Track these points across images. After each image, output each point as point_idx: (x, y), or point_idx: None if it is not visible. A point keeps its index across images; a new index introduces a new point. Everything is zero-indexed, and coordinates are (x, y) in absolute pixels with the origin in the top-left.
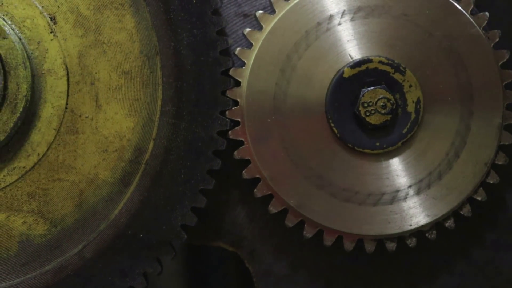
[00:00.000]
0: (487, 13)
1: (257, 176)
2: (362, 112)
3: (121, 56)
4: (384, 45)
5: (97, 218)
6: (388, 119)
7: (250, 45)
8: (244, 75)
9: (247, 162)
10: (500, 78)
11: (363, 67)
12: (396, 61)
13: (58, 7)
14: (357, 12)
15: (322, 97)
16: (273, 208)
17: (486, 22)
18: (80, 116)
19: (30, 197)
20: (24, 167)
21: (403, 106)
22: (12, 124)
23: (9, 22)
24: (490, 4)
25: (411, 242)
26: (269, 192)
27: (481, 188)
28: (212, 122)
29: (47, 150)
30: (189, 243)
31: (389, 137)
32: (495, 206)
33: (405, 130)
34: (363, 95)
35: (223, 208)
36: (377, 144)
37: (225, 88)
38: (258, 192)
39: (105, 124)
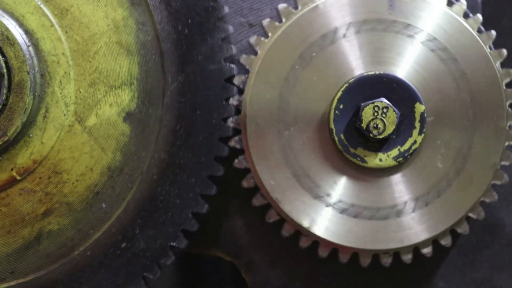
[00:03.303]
0: (494, 32)
1: (258, 187)
2: (365, 126)
3: None
4: (388, 59)
5: None
6: (392, 131)
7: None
8: (247, 86)
9: (247, 171)
10: (505, 97)
11: (366, 81)
12: (397, 75)
13: None
14: (362, 26)
15: (326, 110)
16: (284, 231)
17: (492, 41)
18: None
19: None
20: None
21: (407, 118)
22: None
23: None
24: (497, 23)
25: (407, 258)
26: (281, 217)
27: (480, 207)
28: None
29: None
30: (186, 252)
31: (394, 149)
32: (493, 223)
33: (411, 142)
34: (365, 109)
35: (221, 217)
36: (382, 157)
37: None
38: (256, 201)
39: None
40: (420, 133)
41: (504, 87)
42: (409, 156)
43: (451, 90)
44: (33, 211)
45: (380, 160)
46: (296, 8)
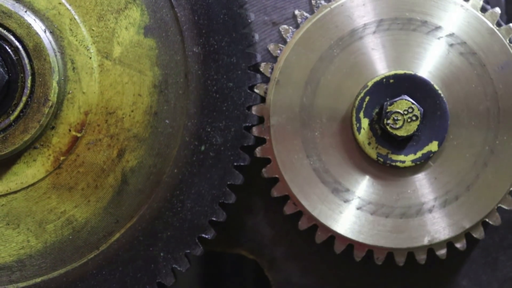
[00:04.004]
0: None
1: (285, 193)
2: (391, 129)
3: None
4: (412, 59)
5: None
6: (400, 136)
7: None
8: (269, 91)
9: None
10: None
11: (379, 85)
12: (419, 74)
13: None
14: (384, 25)
15: (349, 111)
16: (302, 224)
17: None
18: None
19: None
20: None
21: (417, 142)
22: None
23: None
24: None
25: (421, 258)
26: (298, 209)
27: (509, 197)
28: None
29: None
30: (208, 250)
31: (426, 142)
32: None
33: (400, 158)
34: (402, 101)
35: (244, 216)
36: (417, 153)
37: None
38: (287, 209)
39: None
40: (412, 161)
41: None
42: (437, 151)
43: (473, 86)
44: (107, 158)
45: (410, 158)
46: (328, 0)
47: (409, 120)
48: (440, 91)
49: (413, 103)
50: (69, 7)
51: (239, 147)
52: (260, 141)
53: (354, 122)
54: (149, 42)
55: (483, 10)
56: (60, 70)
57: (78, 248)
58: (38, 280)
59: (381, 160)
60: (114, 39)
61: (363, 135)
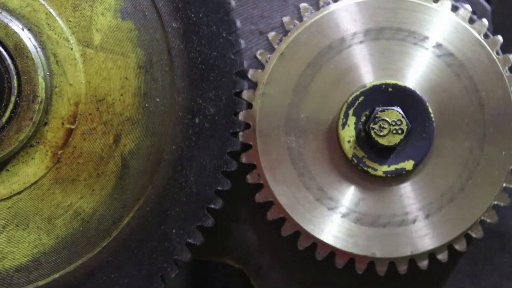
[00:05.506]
0: (500, 37)
1: (270, 199)
2: (374, 134)
3: None
4: (397, 68)
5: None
6: (384, 145)
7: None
8: (256, 97)
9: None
10: None
11: (376, 90)
12: (407, 85)
13: None
14: (372, 35)
15: (335, 119)
16: (285, 231)
17: (499, 45)
18: None
19: None
20: None
21: (401, 153)
22: None
23: None
24: (506, 31)
25: (402, 268)
26: (282, 216)
27: (493, 211)
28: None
29: None
30: (195, 259)
31: (403, 158)
32: (502, 232)
33: (412, 159)
34: (379, 114)
35: (231, 224)
36: (391, 166)
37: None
38: (270, 215)
39: None
40: (384, 172)
41: None
42: (421, 162)
43: (459, 97)
44: (104, 145)
45: (392, 168)
46: (318, 8)
47: (394, 131)
48: (432, 114)
49: (403, 117)
50: (43, 2)
51: (233, 114)
52: (246, 147)
53: (341, 116)
54: (128, 25)
55: (471, 21)
56: (44, 65)
57: (90, 238)
58: (56, 275)
59: (355, 161)
60: (92, 26)
61: (345, 131)
